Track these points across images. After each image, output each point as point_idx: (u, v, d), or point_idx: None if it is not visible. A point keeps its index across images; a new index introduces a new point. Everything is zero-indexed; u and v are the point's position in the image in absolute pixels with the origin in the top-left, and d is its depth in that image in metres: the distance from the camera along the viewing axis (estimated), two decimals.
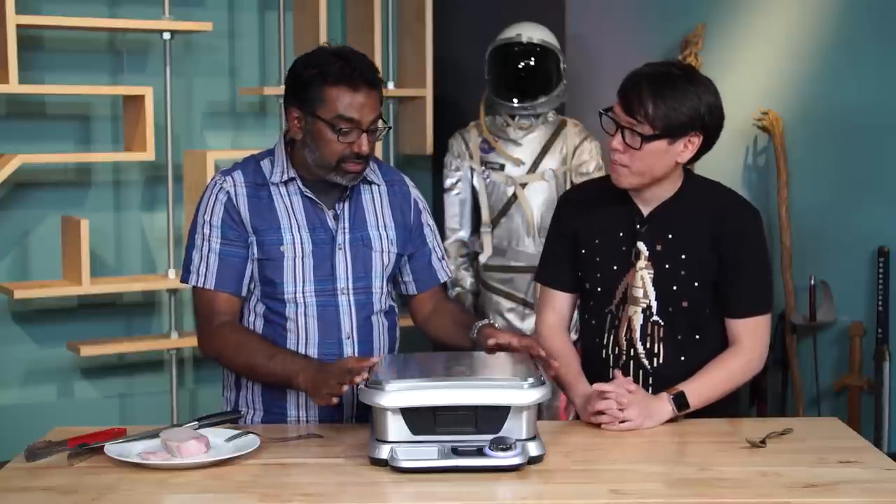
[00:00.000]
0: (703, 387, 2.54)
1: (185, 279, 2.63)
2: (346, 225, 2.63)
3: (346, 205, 2.63)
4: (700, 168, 2.65)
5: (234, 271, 2.59)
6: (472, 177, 4.42)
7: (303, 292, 2.60)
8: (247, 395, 2.67)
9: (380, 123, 2.55)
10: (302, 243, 2.59)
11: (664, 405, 2.51)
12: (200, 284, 2.59)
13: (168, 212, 4.44)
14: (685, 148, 2.52)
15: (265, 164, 2.64)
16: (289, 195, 2.61)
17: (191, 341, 4.47)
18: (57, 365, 4.58)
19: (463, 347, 2.64)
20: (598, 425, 2.49)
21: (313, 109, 2.52)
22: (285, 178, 2.60)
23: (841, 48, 4.30)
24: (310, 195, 2.61)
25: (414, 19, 4.85)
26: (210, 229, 2.59)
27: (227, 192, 2.59)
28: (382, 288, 2.68)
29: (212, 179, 2.65)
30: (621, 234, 2.61)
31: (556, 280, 2.74)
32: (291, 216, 2.60)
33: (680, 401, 2.51)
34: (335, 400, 2.34)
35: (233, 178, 2.62)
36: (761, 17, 4.44)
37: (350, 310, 2.63)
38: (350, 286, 2.63)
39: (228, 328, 2.58)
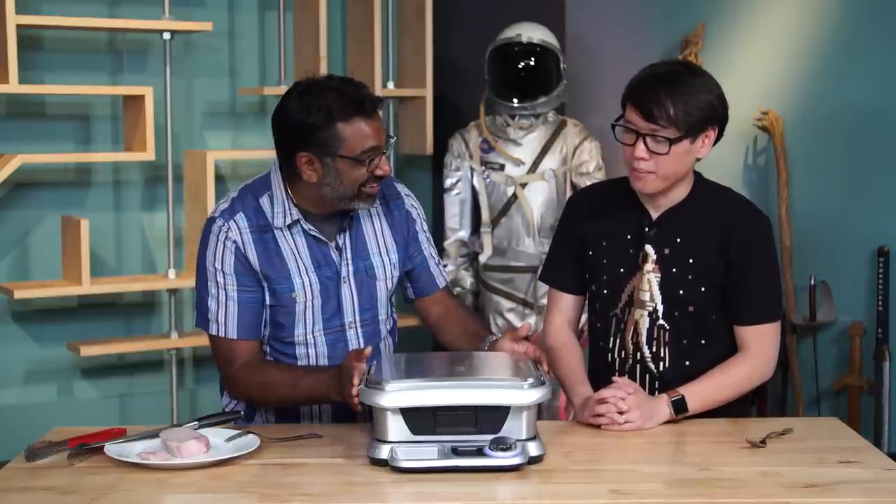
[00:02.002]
0: (705, 391, 2.53)
1: (202, 327, 2.59)
2: (349, 255, 2.61)
3: (347, 235, 2.61)
4: (700, 168, 2.64)
5: (253, 316, 2.56)
6: (472, 177, 4.42)
7: (312, 333, 2.60)
8: (261, 411, 2.67)
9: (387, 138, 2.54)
10: (311, 285, 2.57)
11: (662, 407, 2.50)
12: (221, 334, 2.56)
13: (168, 212, 4.44)
14: (703, 143, 2.51)
15: (264, 202, 2.56)
16: (292, 236, 2.57)
17: (191, 341, 4.48)
18: (57, 365, 4.58)
19: None
20: (598, 426, 2.49)
21: (333, 151, 2.45)
22: (289, 220, 2.55)
23: (841, 48, 4.30)
24: (314, 233, 2.57)
25: (414, 19, 4.85)
26: (224, 277, 2.54)
27: (235, 242, 2.53)
28: (388, 312, 2.68)
29: (213, 223, 2.56)
30: (629, 237, 2.61)
31: (562, 281, 2.74)
32: (298, 259, 2.57)
33: (679, 405, 2.50)
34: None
35: (237, 224, 2.54)
36: (761, 17, 4.44)
37: (359, 343, 2.63)
38: (357, 319, 2.62)
39: (247, 370, 2.56)
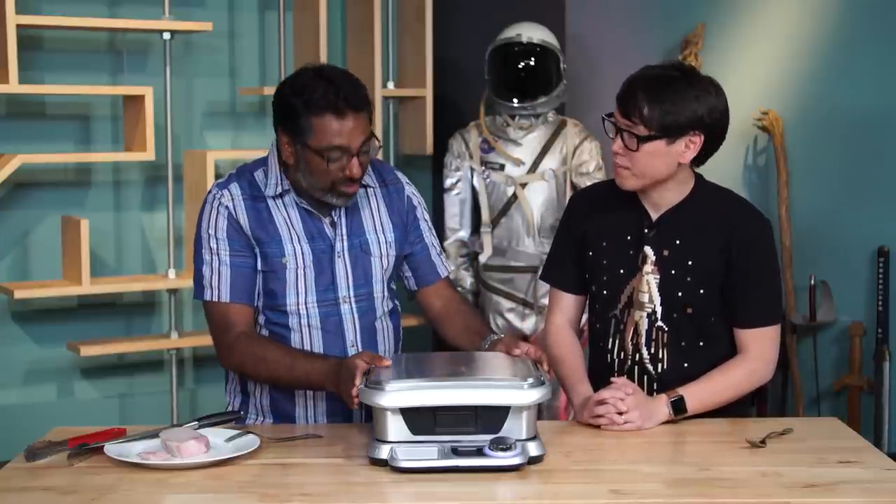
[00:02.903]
0: (703, 392, 2.53)
1: (198, 296, 2.61)
2: (344, 231, 2.62)
3: (343, 211, 2.63)
4: (700, 168, 2.64)
5: (246, 281, 2.58)
6: (472, 177, 4.42)
7: (305, 303, 2.60)
8: (255, 404, 2.68)
9: (372, 142, 2.53)
10: (302, 254, 2.59)
11: (661, 407, 2.51)
12: (215, 298, 2.58)
13: (168, 212, 4.44)
14: (686, 148, 2.51)
15: (259, 175, 2.62)
16: (285, 207, 2.60)
17: (191, 341, 4.47)
18: (57, 365, 4.58)
19: None
20: (598, 426, 2.49)
21: (303, 140, 2.50)
22: (280, 190, 2.60)
23: (841, 48, 4.30)
24: (305, 206, 2.60)
25: (414, 19, 4.85)
26: (217, 243, 2.58)
27: (227, 207, 2.58)
28: (383, 291, 2.68)
29: (209, 193, 2.63)
30: (629, 238, 2.61)
31: (563, 281, 2.74)
32: (290, 228, 2.59)
33: (678, 405, 2.51)
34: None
35: (230, 191, 2.60)
36: (761, 17, 4.44)
37: (353, 318, 2.63)
38: (351, 294, 2.62)
39: (244, 340, 2.57)
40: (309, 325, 2.61)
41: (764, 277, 2.58)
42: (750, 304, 2.57)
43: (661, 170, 2.52)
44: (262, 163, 2.64)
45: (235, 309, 2.58)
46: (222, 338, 2.60)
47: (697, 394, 2.52)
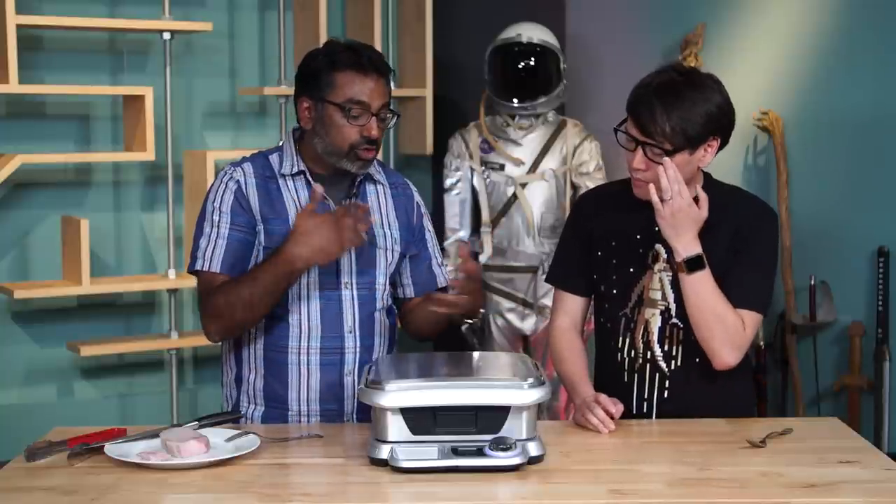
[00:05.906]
0: (712, 287, 2.49)
1: (191, 267, 2.62)
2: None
3: (352, 201, 2.64)
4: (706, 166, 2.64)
5: (240, 256, 2.59)
6: (472, 177, 4.42)
7: (306, 285, 2.61)
8: (248, 391, 2.67)
9: (389, 113, 2.59)
10: None
11: (700, 212, 2.48)
12: (206, 268, 2.58)
13: (168, 212, 4.44)
14: (706, 152, 2.51)
15: (274, 158, 2.67)
16: (296, 188, 2.63)
17: (191, 341, 4.48)
18: (57, 365, 4.58)
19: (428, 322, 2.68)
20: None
21: (324, 95, 2.55)
22: (294, 170, 2.63)
23: (841, 48, 4.30)
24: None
25: (414, 19, 4.85)
26: (219, 215, 2.60)
27: (237, 181, 2.62)
28: (385, 285, 2.69)
29: (221, 170, 2.67)
30: (638, 237, 2.61)
31: (569, 283, 2.73)
32: (298, 208, 2.61)
33: (694, 264, 2.48)
34: (364, 236, 2.45)
35: (242, 168, 2.64)
36: (761, 17, 4.44)
37: (353, 304, 2.64)
38: (353, 281, 2.63)
39: (219, 288, 2.55)
40: (308, 308, 2.61)
41: (759, 265, 2.57)
42: (738, 284, 2.54)
43: (684, 177, 2.51)
44: (278, 148, 2.70)
45: (222, 278, 2.58)
46: (205, 299, 2.58)
47: (709, 278, 2.49)
